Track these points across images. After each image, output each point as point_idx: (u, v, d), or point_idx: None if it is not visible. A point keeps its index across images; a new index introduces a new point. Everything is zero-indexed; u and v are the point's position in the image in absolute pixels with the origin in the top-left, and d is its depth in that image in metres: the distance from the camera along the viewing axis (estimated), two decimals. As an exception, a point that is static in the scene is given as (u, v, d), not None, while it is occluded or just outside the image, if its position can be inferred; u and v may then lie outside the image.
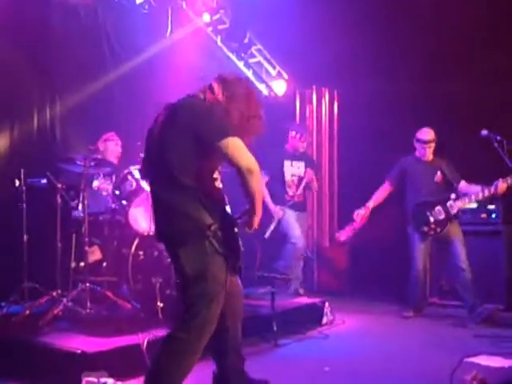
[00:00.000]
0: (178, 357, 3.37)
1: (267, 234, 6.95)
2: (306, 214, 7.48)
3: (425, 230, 6.27)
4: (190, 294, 3.42)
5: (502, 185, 5.94)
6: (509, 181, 5.90)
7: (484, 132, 5.91)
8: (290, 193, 7.14)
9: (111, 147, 6.18)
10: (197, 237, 3.37)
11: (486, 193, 6.06)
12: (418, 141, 6.46)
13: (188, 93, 3.63)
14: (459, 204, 6.21)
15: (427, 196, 6.35)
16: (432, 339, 5.57)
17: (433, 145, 6.43)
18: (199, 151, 3.37)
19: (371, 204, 6.58)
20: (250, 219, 3.51)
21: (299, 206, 7.18)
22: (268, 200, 6.98)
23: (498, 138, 5.85)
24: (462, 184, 6.38)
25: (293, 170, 7.21)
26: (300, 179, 7.16)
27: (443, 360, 4.50)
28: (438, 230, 6.24)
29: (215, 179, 3.51)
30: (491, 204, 6.82)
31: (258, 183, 3.44)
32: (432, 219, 6.24)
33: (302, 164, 7.25)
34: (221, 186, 3.56)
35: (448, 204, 6.23)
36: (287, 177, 7.16)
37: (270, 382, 3.98)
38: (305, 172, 7.19)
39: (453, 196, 6.25)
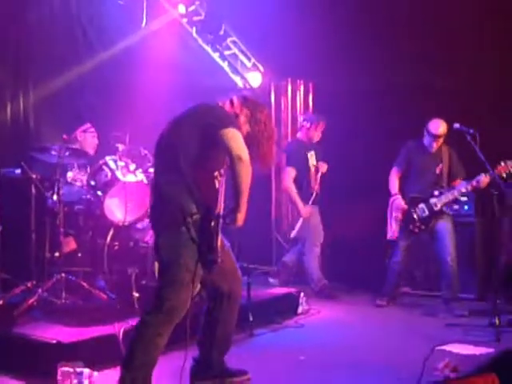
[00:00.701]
0: (146, 339, 3.49)
1: (293, 234, 6.84)
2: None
3: (410, 228, 6.27)
4: (161, 279, 3.59)
5: (484, 179, 5.92)
6: (491, 175, 5.87)
7: (456, 125, 5.91)
8: (312, 185, 6.95)
9: (89, 139, 6.12)
10: (177, 222, 3.49)
11: (469, 187, 6.06)
12: (428, 133, 6.30)
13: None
14: (443, 200, 6.19)
15: (425, 187, 6.30)
16: (405, 328, 5.63)
17: (442, 140, 6.31)
18: (203, 140, 3.57)
19: (396, 191, 6.40)
20: (234, 215, 3.58)
21: (318, 199, 6.98)
22: (296, 198, 6.81)
23: (471, 131, 5.88)
24: (457, 181, 6.35)
25: (311, 160, 7.00)
26: (316, 170, 6.98)
27: (416, 348, 4.57)
28: (423, 227, 6.24)
29: (215, 177, 3.62)
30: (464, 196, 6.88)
31: (247, 175, 3.52)
32: (416, 217, 6.23)
33: (313, 153, 7.05)
34: (218, 187, 3.64)
35: (431, 201, 6.21)
36: (311, 168, 6.97)
37: (248, 372, 4.02)
38: (317, 162, 7.00)
39: (436, 193, 6.23)
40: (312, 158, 7.00)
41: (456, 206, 6.76)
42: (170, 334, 3.54)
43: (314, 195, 6.87)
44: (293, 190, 6.82)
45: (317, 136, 7.08)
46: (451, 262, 6.12)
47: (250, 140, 3.71)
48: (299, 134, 7.20)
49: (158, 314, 3.50)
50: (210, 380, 3.91)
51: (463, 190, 6.16)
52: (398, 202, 6.34)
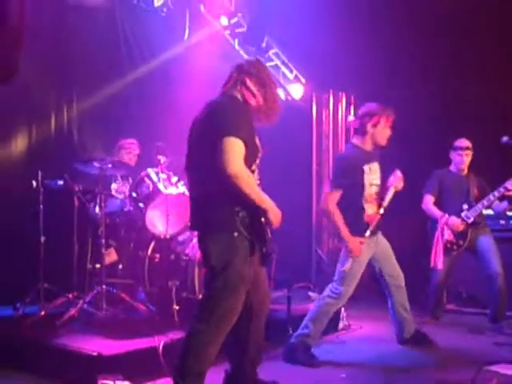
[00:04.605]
0: (197, 347, 3.44)
1: (345, 268, 4.94)
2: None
3: (448, 246, 6.15)
4: (212, 286, 3.51)
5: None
6: None
7: (504, 139, 5.83)
8: (370, 211, 4.95)
9: (122, 155, 6.12)
10: (225, 226, 3.45)
11: (496, 194, 5.97)
12: (455, 148, 6.27)
13: (225, 91, 3.72)
14: (473, 213, 6.09)
15: (458, 207, 6.16)
16: (450, 346, 5.48)
17: (470, 152, 6.24)
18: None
19: (441, 212, 6.20)
20: (265, 218, 3.52)
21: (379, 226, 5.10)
22: (339, 222, 4.80)
23: (519, 144, 5.78)
24: None
25: (371, 177, 4.97)
26: (384, 190, 5.00)
27: (462, 368, 4.45)
28: (461, 242, 6.12)
29: (252, 172, 3.54)
30: (510, 211, 6.74)
31: (247, 185, 3.39)
32: (451, 234, 6.14)
33: (376, 165, 5.05)
34: (257, 181, 3.61)
35: (463, 215, 6.11)
36: (367, 190, 4.92)
37: (280, 383, 3.97)
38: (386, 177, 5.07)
39: (465, 206, 6.14)
40: (371, 173, 4.97)
41: (502, 221, 6.63)
42: (222, 341, 3.49)
43: (371, 229, 4.90)
44: (334, 212, 4.79)
45: (380, 135, 5.08)
46: (497, 278, 5.92)
47: (266, 99, 3.68)
48: (354, 139, 5.14)
49: (208, 322, 3.45)
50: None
51: (491, 198, 6.02)
52: (453, 219, 6.12)
